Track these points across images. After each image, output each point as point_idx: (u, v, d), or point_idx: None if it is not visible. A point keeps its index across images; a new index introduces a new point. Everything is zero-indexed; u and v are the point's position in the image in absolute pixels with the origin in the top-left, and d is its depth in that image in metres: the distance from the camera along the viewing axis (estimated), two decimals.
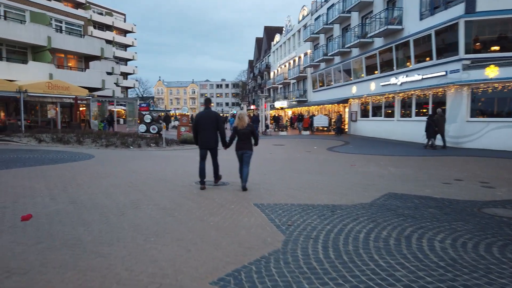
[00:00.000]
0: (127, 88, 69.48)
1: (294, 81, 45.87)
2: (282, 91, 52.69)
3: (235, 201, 6.52)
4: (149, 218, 5.38)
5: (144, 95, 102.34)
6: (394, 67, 22.51)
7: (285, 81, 48.13)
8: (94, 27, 58.36)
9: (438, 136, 16.48)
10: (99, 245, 4.21)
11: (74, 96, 22.98)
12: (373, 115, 26.20)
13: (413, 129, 20.53)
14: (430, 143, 16.56)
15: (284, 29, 51.21)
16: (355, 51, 27.70)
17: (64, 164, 10.87)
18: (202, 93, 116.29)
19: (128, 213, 5.63)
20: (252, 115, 39.26)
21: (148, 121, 22.92)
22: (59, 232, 4.65)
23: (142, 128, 22.76)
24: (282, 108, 49.03)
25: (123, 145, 17.10)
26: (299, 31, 43.69)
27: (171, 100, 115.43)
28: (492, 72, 15.90)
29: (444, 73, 17.79)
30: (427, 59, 19.47)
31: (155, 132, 22.35)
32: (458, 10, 16.96)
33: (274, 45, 57.17)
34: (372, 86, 25.29)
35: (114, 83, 44.69)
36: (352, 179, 8.96)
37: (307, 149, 17.91)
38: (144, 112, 24.62)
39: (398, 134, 22.28)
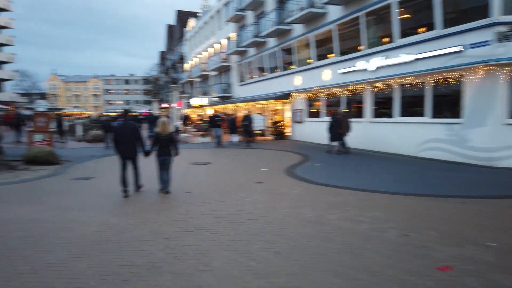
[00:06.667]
0: (1, 80, 54.49)
1: (215, 73, 37.70)
2: (201, 85, 44.09)
3: None
4: None
5: (33, 91, 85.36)
6: (364, 46, 15.79)
7: (203, 73, 39.66)
8: None
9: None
10: None
11: None
12: (328, 115, 19.42)
13: (400, 134, 14.05)
14: (336, 148, 14.69)
15: (199, 11, 42.62)
16: (299, 29, 20.60)
17: None
18: (107, 89, 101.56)
19: None
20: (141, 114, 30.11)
21: None
22: None
23: None
24: (201, 106, 40.36)
25: None
26: (218, 11, 35.56)
27: (69, 97, 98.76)
28: None
29: (459, 48, 11.32)
30: (423, 29, 12.98)
31: None
32: None
33: (188, 32, 48.16)
34: (326, 74, 18.41)
35: None
36: None
37: (252, 172, 10.21)
38: None
39: (372, 142, 15.63)
